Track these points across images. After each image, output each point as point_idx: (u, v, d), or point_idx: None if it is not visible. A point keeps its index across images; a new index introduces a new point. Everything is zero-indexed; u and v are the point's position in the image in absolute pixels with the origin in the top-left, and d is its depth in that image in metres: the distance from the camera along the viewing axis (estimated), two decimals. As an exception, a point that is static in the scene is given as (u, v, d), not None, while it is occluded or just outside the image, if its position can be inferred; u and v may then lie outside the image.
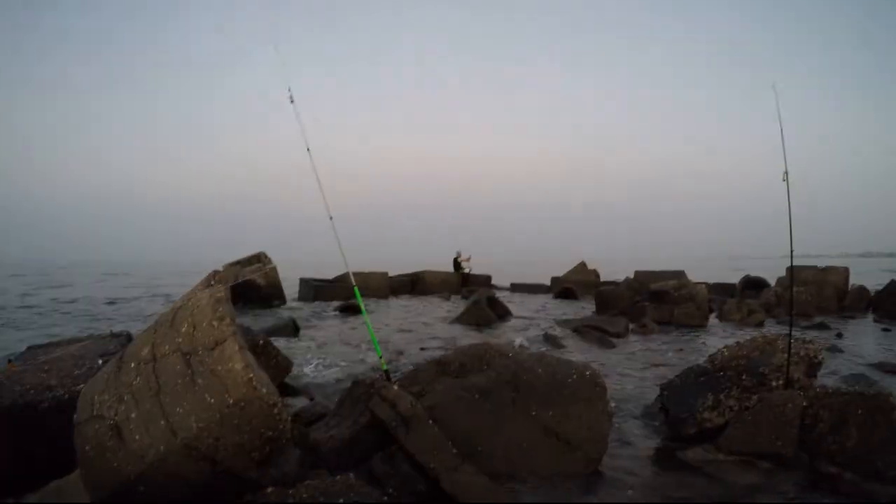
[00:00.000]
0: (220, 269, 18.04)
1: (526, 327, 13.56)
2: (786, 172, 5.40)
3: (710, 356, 6.08)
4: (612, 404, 5.52)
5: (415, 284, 24.49)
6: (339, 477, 3.60)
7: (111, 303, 20.14)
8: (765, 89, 5.86)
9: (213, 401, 3.11)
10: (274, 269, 18.38)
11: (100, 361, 4.98)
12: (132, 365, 3.43)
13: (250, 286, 16.39)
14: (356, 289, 6.05)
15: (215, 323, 3.35)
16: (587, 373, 4.86)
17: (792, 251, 5.53)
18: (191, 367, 3.23)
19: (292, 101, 5.69)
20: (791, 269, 5.91)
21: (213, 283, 3.66)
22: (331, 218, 5.71)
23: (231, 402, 3.10)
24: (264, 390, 3.18)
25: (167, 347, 3.37)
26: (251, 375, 3.14)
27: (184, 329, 3.40)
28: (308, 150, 5.66)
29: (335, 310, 16.00)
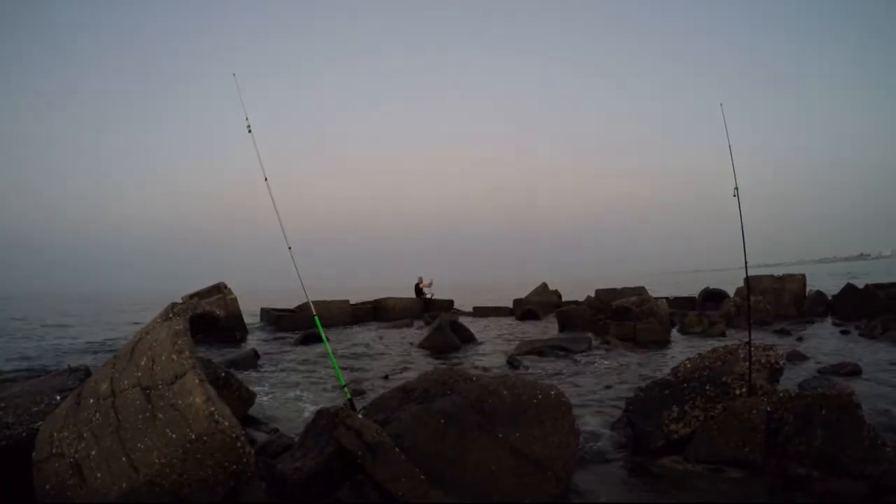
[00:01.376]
0: (179, 300, 17.72)
1: (490, 350, 13.55)
2: (736, 188, 5.53)
3: (673, 369, 6.14)
4: (580, 422, 5.54)
5: (377, 311, 24.35)
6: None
7: (68, 336, 19.70)
8: (713, 108, 5.98)
9: (174, 436, 3.06)
10: (235, 300, 18.16)
11: (58, 397, 4.85)
12: (91, 401, 3.36)
13: (210, 318, 16.12)
14: (316, 318, 6.01)
15: (174, 356, 3.30)
16: (552, 392, 4.86)
17: (746, 262, 5.63)
18: (151, 401, 3.18)
19: (250, 131, 5.66)
20: (747, 280, 6.01)
21: (171, 315, 3.59)
22: (289, 248, 5.68)
23: (193, 436, 3.05)
24: (226, 423, 3.13)
25: (126, 382, 3.31)
26: (213, 409, 3.09)
27: (143, 363, 3.35)
28: (266, 179, 5.63)
29: (297, 339, 15.83)
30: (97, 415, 3.27)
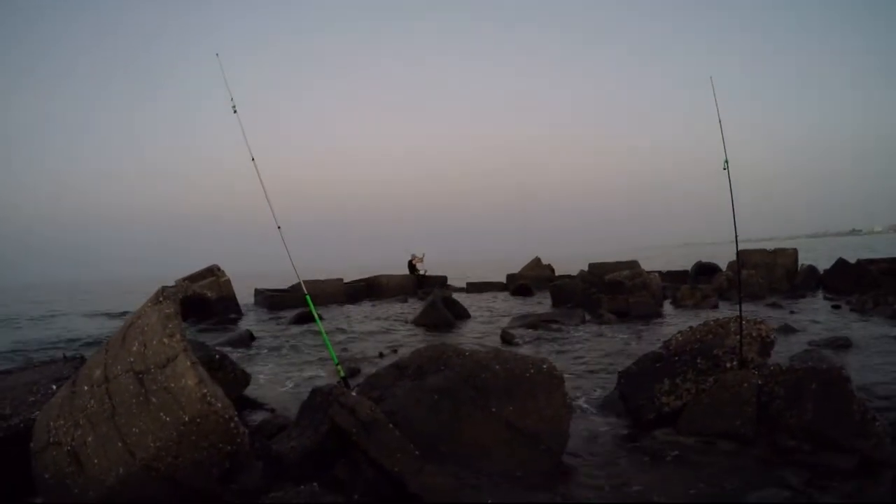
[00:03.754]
0: (172, 284, 17.76)
1: (483, 326, 13.61)
2: (726, 161, 5.53)
3: (664, 342, 6.16)
4: (573, 395, 5.57)
5: (371, 289, 24.35)
6: (303, 487, 3.59)
7: (59, 325, 19.61)
8: (703, 82, 5.95)
9: (168, 419, 3.09)
10: (228, 282, 18.16)
11: (54, 387, 4.87)
12: (85, 388, 3.38)
13: (204, 300, 16.16)
14: (308, 297, 6.01)
15: (166, 340, 3.31)
16: (544, 366, 4.89)
17: (736, 234, 5.66)
18: (144, 386, 3.20)
19: (235, 111, 5.60)
20: (738, 254, 6.04)
21: (161, 299, 3.60)
22: (279, 227, 5.65)
23: (187, 419, 3.08)
24: (219, 405, 3.16)
25: (119, 368, 3.33)
26: (205, 391, 3.12)
27: (135, 348, 3.36)
28: (253, 159, 5.59)
29: (291, 319, 15.85)
30: (92, 401, 3.29)
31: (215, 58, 5.98)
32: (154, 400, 3.13)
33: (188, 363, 3.20)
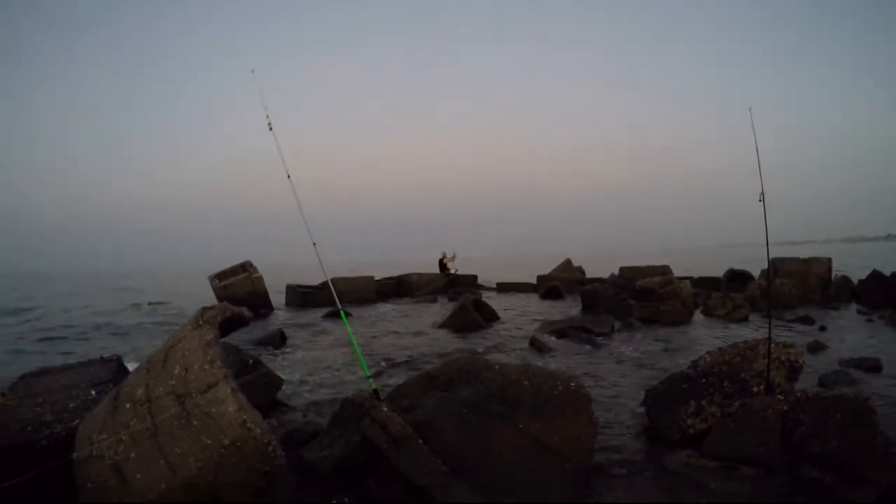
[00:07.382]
0: (208, 278, 18.03)
1: (512, 330, 13.62)
2: (762, 193, 5.43)
3: (692, 362, 6.17)
4: (599, 411, 5.61)
5: (401, 287, 24.47)
6: (334, 502, 3.69)
7: (96, 318, 19.94)
8: (742, 108, 5.85)
9: (209, 441, 3.21)
10: (260, 279, 18.37)
11: (93, 392, 4.99)
12: (128, 406, 3.51)
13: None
14: (342, 313, 6.03)
15: (207, 366, 3.43)
16: (572, 384, 4.93)
17: (770, 270, 5.60)
18: (185, 409, 3.32)
19: (271, 129, 5.58)
20: (769, 292, 6.01)
21: (201, 322, 3.72)
22: (314, 244, 5.67)
23: (227, 442, 3.20)
24: (258, 430, 3.27)
25: (161, 389, 3.46)
26: (244, 417, 3.24)
27: (176, 371, 3.48)
28: (289, 177, 5.60)
29: (323, 317, 15.98)
30: (134, 419, 3.41)
31: (251, 74, 5.90)
32: (195, 423, 3.26)
33: (228, 390, 3.32)
